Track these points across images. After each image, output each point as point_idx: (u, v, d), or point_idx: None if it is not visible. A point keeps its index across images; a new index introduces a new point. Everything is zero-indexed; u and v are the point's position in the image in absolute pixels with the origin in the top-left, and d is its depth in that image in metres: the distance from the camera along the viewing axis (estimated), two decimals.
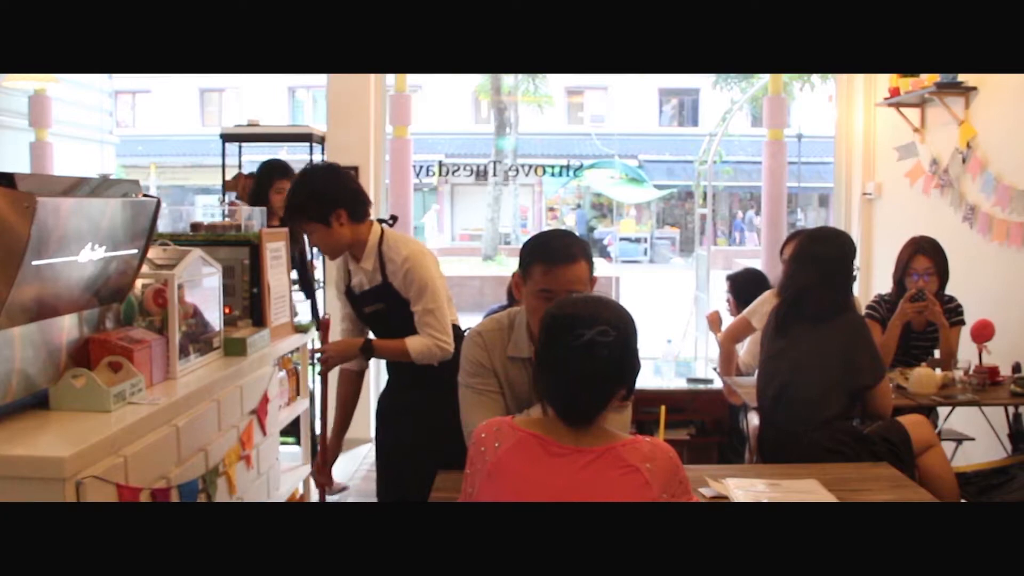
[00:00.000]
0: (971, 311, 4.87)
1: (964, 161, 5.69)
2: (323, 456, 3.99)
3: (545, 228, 31.02)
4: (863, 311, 4.83)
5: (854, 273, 4.00)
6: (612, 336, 2.10)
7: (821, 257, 3.90)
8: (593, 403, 2.13)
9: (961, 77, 5.62)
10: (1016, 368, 4.61)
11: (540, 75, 26.84)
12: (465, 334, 3.11)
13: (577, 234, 3.01)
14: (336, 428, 3.98)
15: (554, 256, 2.75)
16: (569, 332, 2.11)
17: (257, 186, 5.66)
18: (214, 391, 3.44)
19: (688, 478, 2.21)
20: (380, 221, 3.73)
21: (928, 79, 5.79)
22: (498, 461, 2.12)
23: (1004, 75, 5.22)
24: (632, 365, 2.18)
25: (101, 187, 3.18)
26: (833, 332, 3.78)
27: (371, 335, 3.81)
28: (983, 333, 4.62)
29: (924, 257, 4.80)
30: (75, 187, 3.01)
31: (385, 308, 3.67)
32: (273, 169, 5.61)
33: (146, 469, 2.83)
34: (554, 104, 29.90)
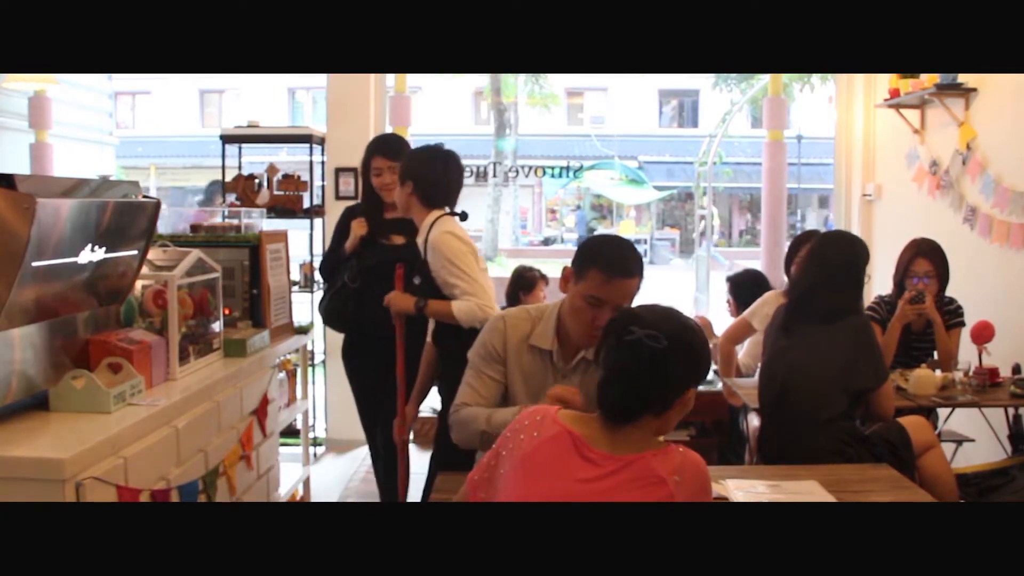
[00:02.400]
0: (971, 312, 4.87)
1: (964, 162, 5.69)
2: (402, 414, 4.10)
3: (546, 230, 31.19)
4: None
5: (864, 280, 3.96)
6: (663, 344, 2.11)
7: (829, 260, 3.89)
8: (625, 402, 2.14)
9: (961, 78, 5.61)
10: (1016, 369, 4.60)
11: (541, 76, 26.83)
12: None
13: (632, 244, 3.06)
14: (416, 390, 4.11)
15: (614, 268, 2.83)
16: (623, 329, 2.14)
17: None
18: (214, 392, 3.44)
19: (711, 491, 2.21)
20: (452, 213, 3.91)
21: (928, 80, 5.79)
22: (533, 451, 2.13)
23: (1004, 76, 5.22)
24: (670, 381, 2.17)
25: (101, 188, 3.18)
26: (837, 334, 3.78)
27: None
28: (983, 334, 4.62)
29: (924, 260, 4.80)
30: (75, 188, 3.02)
31: (421, 283, 3.83)
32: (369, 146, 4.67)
33: (146, 470, 2.83)
34: (560, 103, 29.89)
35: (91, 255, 2.95)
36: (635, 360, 2.12)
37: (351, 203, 5.02)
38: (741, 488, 2.93)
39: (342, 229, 4.60)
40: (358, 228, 4.45)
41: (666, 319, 2.19)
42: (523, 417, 2.23)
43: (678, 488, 2.07)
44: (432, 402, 7.09)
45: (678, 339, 2.15)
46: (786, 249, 5.40)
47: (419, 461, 4.73)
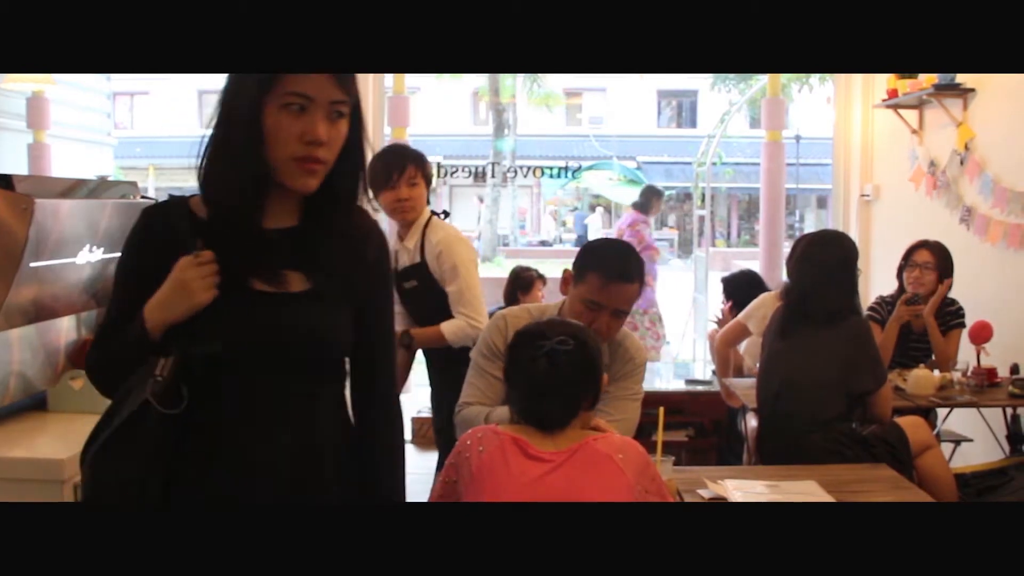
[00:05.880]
0: (969, 312, 4.87)
1: (962, 163, 5.69)
2: None
3: (544, 230, 31.16)
4: (864, 313, 4.82)
5: (857, 275, 3.99)
6: (571, 345, 2.26)
7: (823, 260, 3.90)
8: (561, 409, 2.26)
9: (959, 79, 5.61)
10: (1014, 369, 4.61)
11: (540, 75, 26.80)
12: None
13: (633, 248, 3.10)
14: None
15: (613, 272, 2.83)
16: (531, 344, 2.28)
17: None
18: None
19: (660, 476, 2.33)
20: (434, 213, 3.96)
21: (926, 80, 5.78)
22: (481, 465, 2.21)
23: (1002, 77, 5.22)
24: (594, 373, 2.32)
25: (99, 189, 3.19)
26: (835, 335, 3.78)
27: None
28: (981, 334, 4.62)
29: (927, 251, 4.83)
30: (73, 189, 3.02)
31: (419, 285, 3.85)
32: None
33: None
34: (561, 103, 29.86)
35: (89, 256, 2.95)
36: (556, 369, 2.25)
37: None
38: (740, 488, 2.94)
39: (144, 258, 1.82)
40: (201, 276, 1.73)
41: (559, 324, 2.39)
42: (464, 439, 2.31)
43: (624, 464, 2.19)
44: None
45: (579, 334, 2.32)
46: (786, 250, 5.40)
47: (416, 462, 4.74)
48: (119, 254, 1.84)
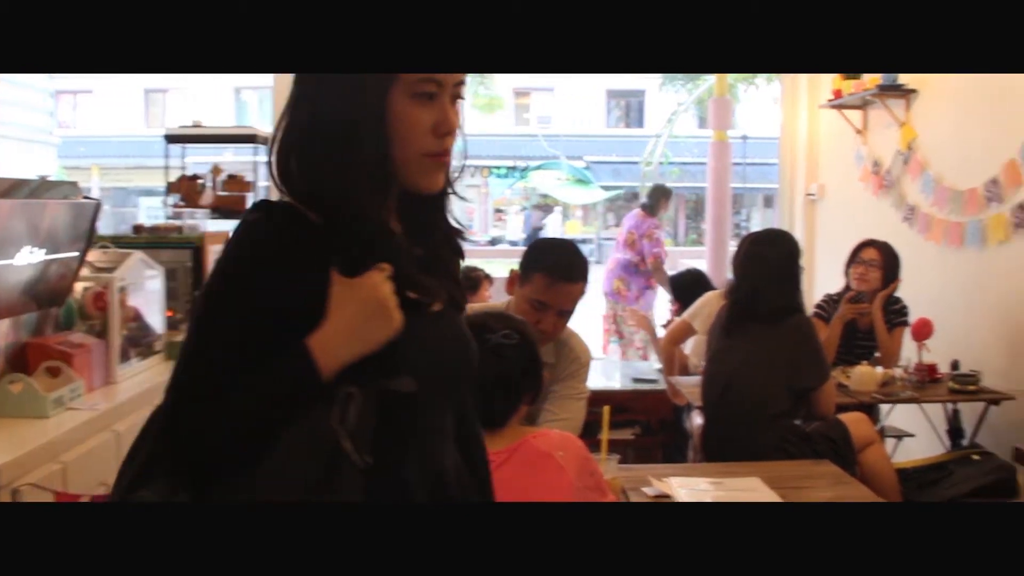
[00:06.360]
0: (911, 310, 4.95)
1: (905, 163, 5.77)
2: None
3: (492, 230, 31.15)
4: (810, 311, 4.88)
5: (800, 273, 4.03)
6: (516, 339, 2.22)
7: (766, 258, 3.93)
8: (504, 406, 2.21)
9: (902, 79, 5.69)
10: (954, 366, 4.68)
11: (487, 76, 26.79)
12: None
13: (578, 248, 3.10)
14: None
15: (559, 272, 2.85)
16: (476, 337, 2.18)
17: None
18: (156, 396, 3.39)
19: (600, 471, 2.32)
20: None
21: (870, 81, 5.86)
22: None
23: (944, 78, 5.30)
24: (538, 367, 2.29)
25: (40, 189, 3.15)
26: (779, 333, 3.82)
27: None
28: (923, 331, 4.69)
29: (874, 249, 4.90)
30: (13, 189, 2.98)
31: None
32: None
33: (86, 476, 2.80)
34: (504, 107, 29.86)
35: (29, 257, 2.91)
36: (503, 363, 2.20)
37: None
38: (684, 486, 2.96)
39: (275, 282, 1.42)
40: (393, 294, 1.43)
41: (502, 317, 2.34)
42: None
43: (565, 461, 2.17)
44: None
45: (522, 328, 2.29)
46: (733, 249, 5.45)
47: None
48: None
